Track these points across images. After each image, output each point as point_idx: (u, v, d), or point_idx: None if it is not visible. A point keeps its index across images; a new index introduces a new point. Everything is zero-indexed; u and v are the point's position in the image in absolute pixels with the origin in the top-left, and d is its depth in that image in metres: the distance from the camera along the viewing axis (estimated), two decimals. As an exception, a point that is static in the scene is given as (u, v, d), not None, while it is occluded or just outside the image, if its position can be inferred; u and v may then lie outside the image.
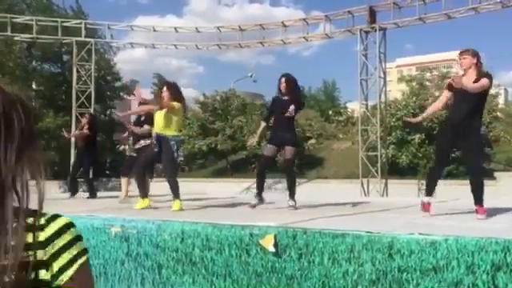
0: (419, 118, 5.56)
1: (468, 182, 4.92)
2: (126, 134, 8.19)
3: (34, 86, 26.50)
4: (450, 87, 4.98)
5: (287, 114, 5.82)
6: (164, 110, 6.03)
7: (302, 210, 5.66)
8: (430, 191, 5.01)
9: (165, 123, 6.01)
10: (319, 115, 34.24)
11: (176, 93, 6.22)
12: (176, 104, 6.07)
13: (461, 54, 5.01)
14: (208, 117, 25.97)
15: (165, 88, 6.25)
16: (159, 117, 6.08)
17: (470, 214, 4.77)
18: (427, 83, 26.72)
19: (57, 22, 18.56)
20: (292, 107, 5.82)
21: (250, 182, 15.16)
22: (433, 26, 14.53)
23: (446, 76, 26.37)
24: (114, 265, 4.25)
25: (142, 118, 7.46)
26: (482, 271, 2.87)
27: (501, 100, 32.80)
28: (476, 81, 4.77)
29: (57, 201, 7.46)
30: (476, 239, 2.95)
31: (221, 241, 3.75)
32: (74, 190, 8.75)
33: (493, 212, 4.86)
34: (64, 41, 19.49)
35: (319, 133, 26.78)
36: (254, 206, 5.85)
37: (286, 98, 6.04)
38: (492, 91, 5.45)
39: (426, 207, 4.85)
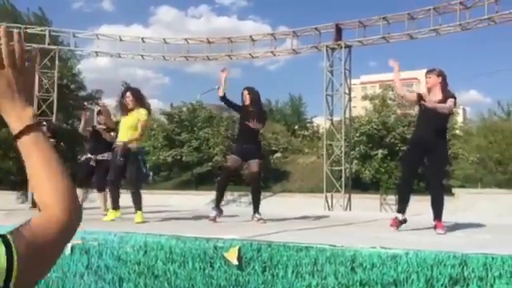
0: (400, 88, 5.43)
1: (428, 197, 5.05)
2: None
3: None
4: (419, 99, 5.05)
5: (251, 126, 5.84)
6: (129, 117, 5.86)
7: (267, 223, 5.67)
8: (400, 208, 5.08)
9: (130, 132, 5.82)
10: (285, 129, 34.49)
11: (140, 98, 6.05)
12: (143, 110, 5.90)
13: (427, 73, 5.13)
14: (174, 128, 25.75)
15: (128, 93, 6.01)
16: (124, 124, 5.89)
17: (430, 228, 4.89)
18: (389, 101, 27.40)
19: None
20: (256, 123, 5.86)
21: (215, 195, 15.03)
22: (396, 45, 14.99)
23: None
24: (72, 278, 4.13)
25: (102, 125, 7.23)
26: (440, 284, 2.94)
27: (459, 118, 33.97)
28: (442, 100, 4.91)
29: (16, 212, 7.21)
30: (435, 253, 3.03)
31: (184, 253, 3.70)
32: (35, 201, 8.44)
33: (451, 227, 5.00)
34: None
35: (285, 147, 26.98)
36: (214, 219, 5.78)
37: (250, 109, 6.06)
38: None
39: (394, 222, 4.92)
